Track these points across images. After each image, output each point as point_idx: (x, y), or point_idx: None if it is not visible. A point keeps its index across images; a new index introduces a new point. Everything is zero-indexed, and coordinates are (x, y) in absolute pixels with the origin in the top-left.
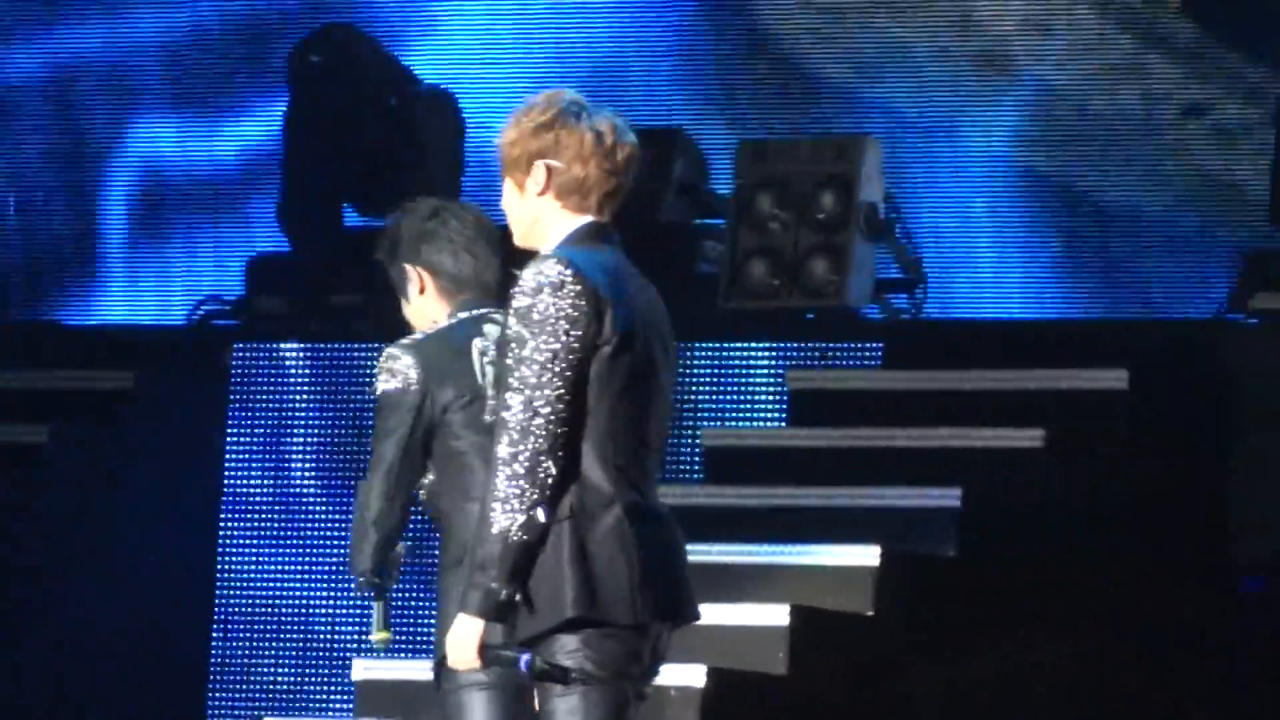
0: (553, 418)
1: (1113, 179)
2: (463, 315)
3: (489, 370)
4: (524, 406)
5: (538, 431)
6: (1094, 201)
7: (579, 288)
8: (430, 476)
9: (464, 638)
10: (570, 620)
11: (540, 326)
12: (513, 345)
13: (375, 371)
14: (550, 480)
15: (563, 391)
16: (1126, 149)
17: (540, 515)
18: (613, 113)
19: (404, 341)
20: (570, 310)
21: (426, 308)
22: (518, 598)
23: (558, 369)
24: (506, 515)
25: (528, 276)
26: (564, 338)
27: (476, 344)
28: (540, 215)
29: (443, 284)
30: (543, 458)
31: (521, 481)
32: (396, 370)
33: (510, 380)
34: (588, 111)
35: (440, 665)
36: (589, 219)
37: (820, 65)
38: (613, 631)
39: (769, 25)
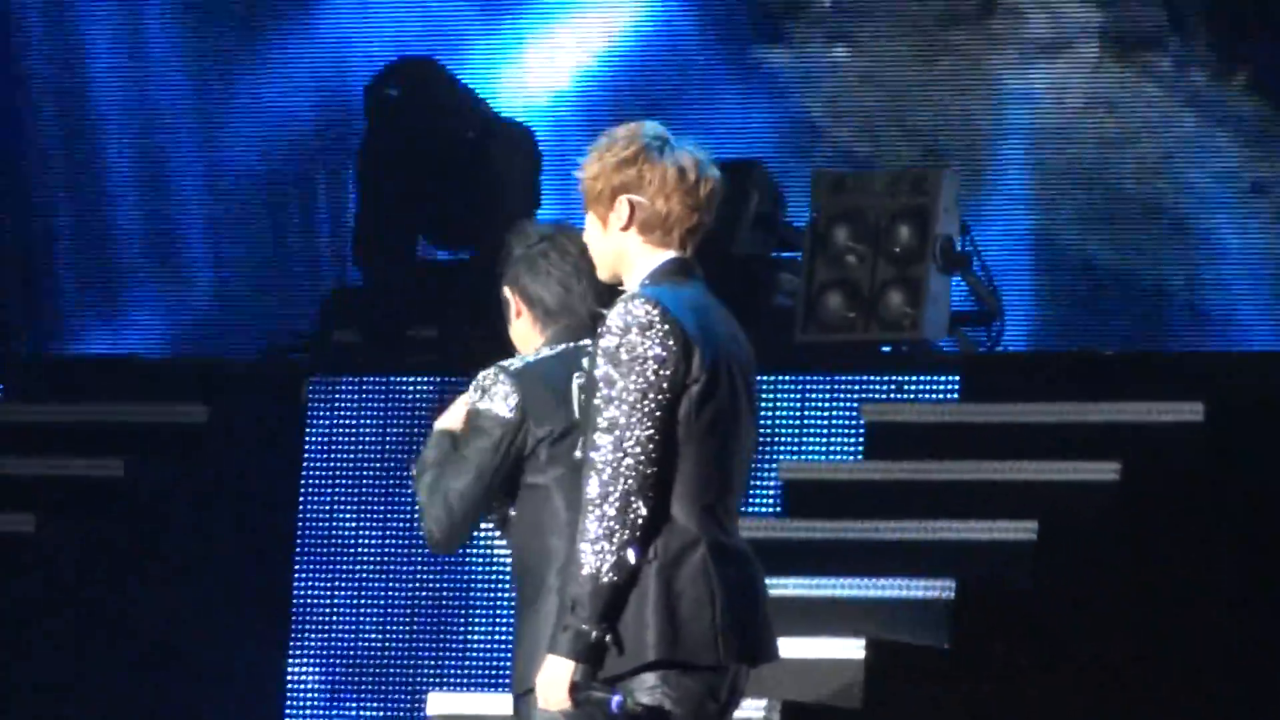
0: (643, 458)
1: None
2: (562, 347)
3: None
4: (614, 447)
5: (627, 472)
6: (1174, 227)
7: (667, 327)
8: (512, 510)
9: (555, 678)
10: (652, 660)
11: (629, 367)
12: (601, 385)
13: (475, 385)
14: (640, 520)
15: (652, 432)
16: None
17: (631, 556)
18: (695, 146)
19: (508, 365)
20: (659, 350)
21: (524, 332)
22: (608, 639)
23: (647, 409)
24: (597, 556)
25: (615, 316)
26: (652, 377)
27: (576, 378)
28: (623, 250)
29: (536, 312)
30: (633, 498)
31: (612, 522)
32: (495, 394)
33: (599, 420)
34: (670, 145)
35: (519, 701)
36: (672, 254)
37: (896, 97)
38: (692, 671)
39: (845, 57)
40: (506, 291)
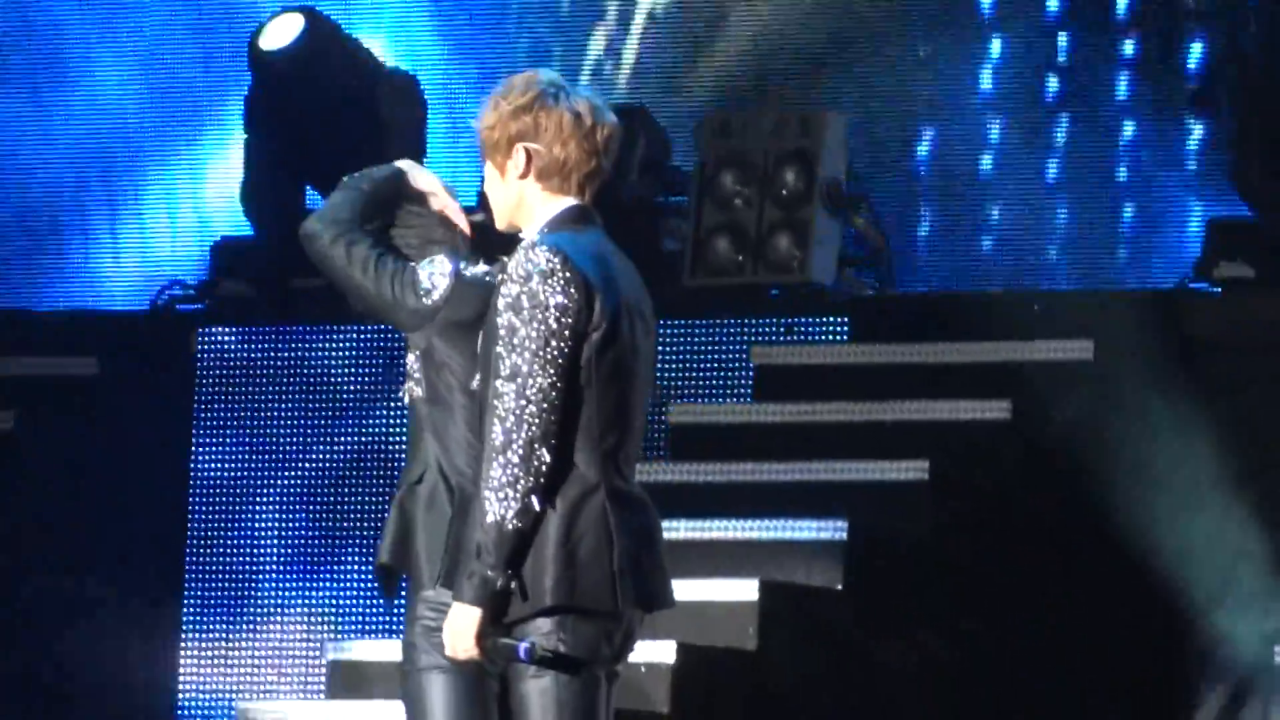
0: (545, 405)
1: (1073, 149)
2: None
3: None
4: (517, 394)
5: (530, 420)
6: (1056, 171)
7: (568, 275)
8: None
9: (462, 626)
10: (550, 605)
11: (531, 314)
12: (503, 333)
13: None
14: (544, 468)
15: (555, 379)
16: (1090, 120)
17: (535, 503)
18: (591, 92)
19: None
20: (560, 298)
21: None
22: (513, 585)
23: (549, 356)
24: (502, 503)
25: (516, 264)
26: (554, 325)
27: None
28: (522, 198)
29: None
30: (536, 445)
31: (516, 470)
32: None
33: (501, 368)
34: (566, 92)
35: (381, 572)
36: (571, 201)
37: (783, 40)
38: (589, 616)
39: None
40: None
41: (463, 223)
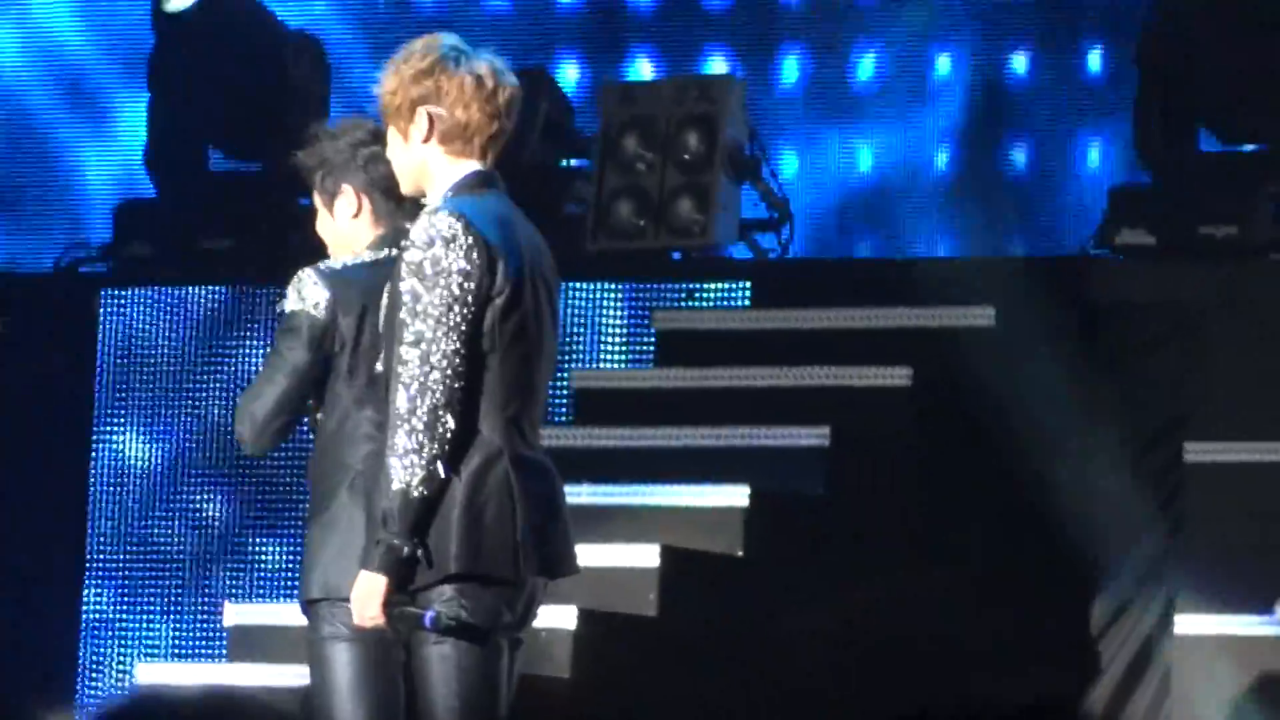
0: (449, 371)
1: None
2: (385, 252)
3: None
4: (421, 361)
5: (435, 386)
6: (962, 136)
7: (470, 240)
8: (320, 414)
9: (368, 593)
10: (453, 573)
11: (434, 280)
12: (406, 299)
13: (291, 285)
14: (449, 434)
15: (458, 345)
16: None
17: (440, 470)
18: (492, 55)
19: (323, 266)
20: (463, 263)
21: (357, 230)
22: (419, 553)
23: (453, 322)
24: (407, 470)
25: (419, 230)
26: (457, 291)
27: (388, 289)
28: (425, 163)
29: (376, 208)
30: (441, 411)
31: (421, 436)
32: (308, 294)
33: (405, 335)
34: (466, 55)
35: (307, 606)
36: (474, 164)
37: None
38: (492, 583)
39: None
40: (344, 187)
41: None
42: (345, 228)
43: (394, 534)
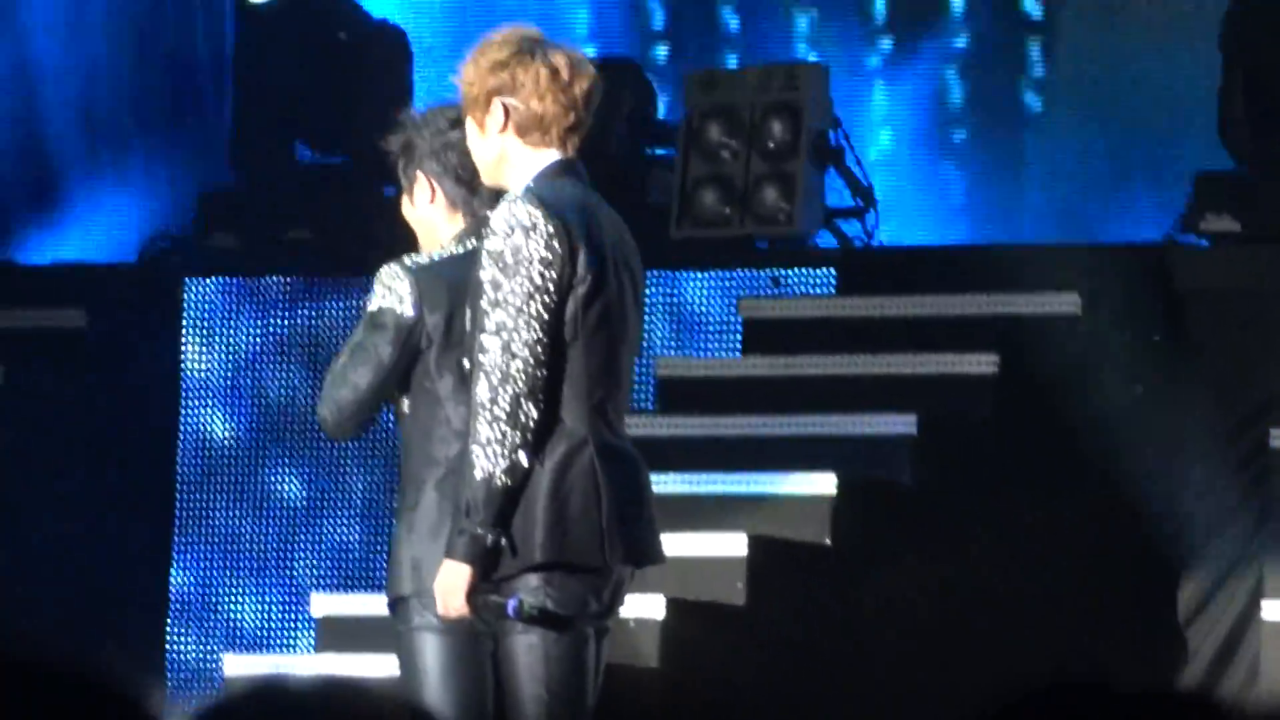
0: (531, 360)
1: (1064, 101)
2: (469, 245)
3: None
4: (502, 350)
5: (517, 375)
6: (1046, 125)
7: (551, 229)
8: (406, 408)
9: (453, 584)
10: (539, 562)
11: (515, 269)
12: (487, 288)
13: (378, 281)
14: (531, 423)
15: (540, 334)
16: (1080, 71)
17: (523, 459)
18: (570, 47)
19: (409, 262)
20: (544, 252)
21: (434, 217)
22: (502, 542)
23: (534, 311)
24: (489, 460)
25: (499, 219)
26: (539, 280)
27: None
28: (504, 153)
29: (451, 197)
30: (523, 400)
31: (503, 425)
32: (395, 290)
33: (486, 324)
34: (543, 46)
35: (396, 603)
36: (554, 153)
37: None
38: (577, 572)
39: None
40: (419, 175)
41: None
42: (424, 214)
43: (478, 523)
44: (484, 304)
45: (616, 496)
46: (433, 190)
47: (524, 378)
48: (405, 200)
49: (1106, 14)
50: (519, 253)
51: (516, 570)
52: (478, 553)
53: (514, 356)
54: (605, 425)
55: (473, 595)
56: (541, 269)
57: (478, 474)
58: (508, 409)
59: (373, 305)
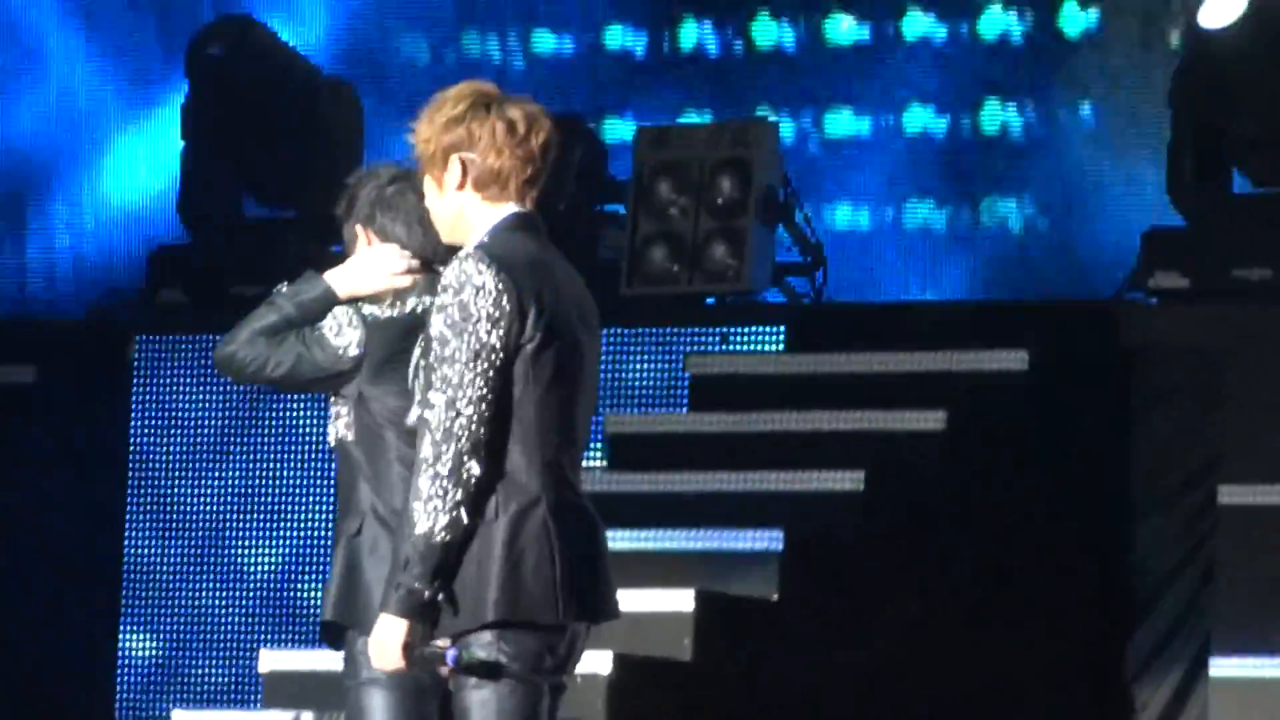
0: (475, 418)
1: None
2: (413, 303)
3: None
4: (447, 406)
5: (459, 432)
6: (992, 182)
7: (500, 286)
8: (349, 435)
9: (388, 638)
10: (492, 620)
11: (462, 326)
12: (435, 344)
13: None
14: (473, 480)
15: (485, 391)
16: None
17: (464, 515)
18: (526, 100)
19: (367, 313)
20: (492, 309)
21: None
22: (440, 597)
23: (480, 369)
24: (429, 516)
25: (450, 275)
26: (485, 338)
27: (419, 346)
28: (461, 209)
29: (398, 241)
30: (465, 458)
31: (445, 482)
32: (344, 333)
33: (434, 379)
34: (499, 101)
35: (332, 628)
36: (511, 207)
37: (717, 50)
38: (531, 628)
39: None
40: (358, 229)
41: (408, 268)
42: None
43: (414, 578)
44: (432, 359)
45: (570, 553)
46: (369, 240)
47: (467, 435)
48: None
49: (1054, 71)
50: (466, 310)
51: (471, 627)
52: (413, 607)
53: (458, 414)
54: (560, 482)
55: (409, 649)
56: (488, 326)
57: (417, 529)
58: (450, 465)
59: (325, 328)
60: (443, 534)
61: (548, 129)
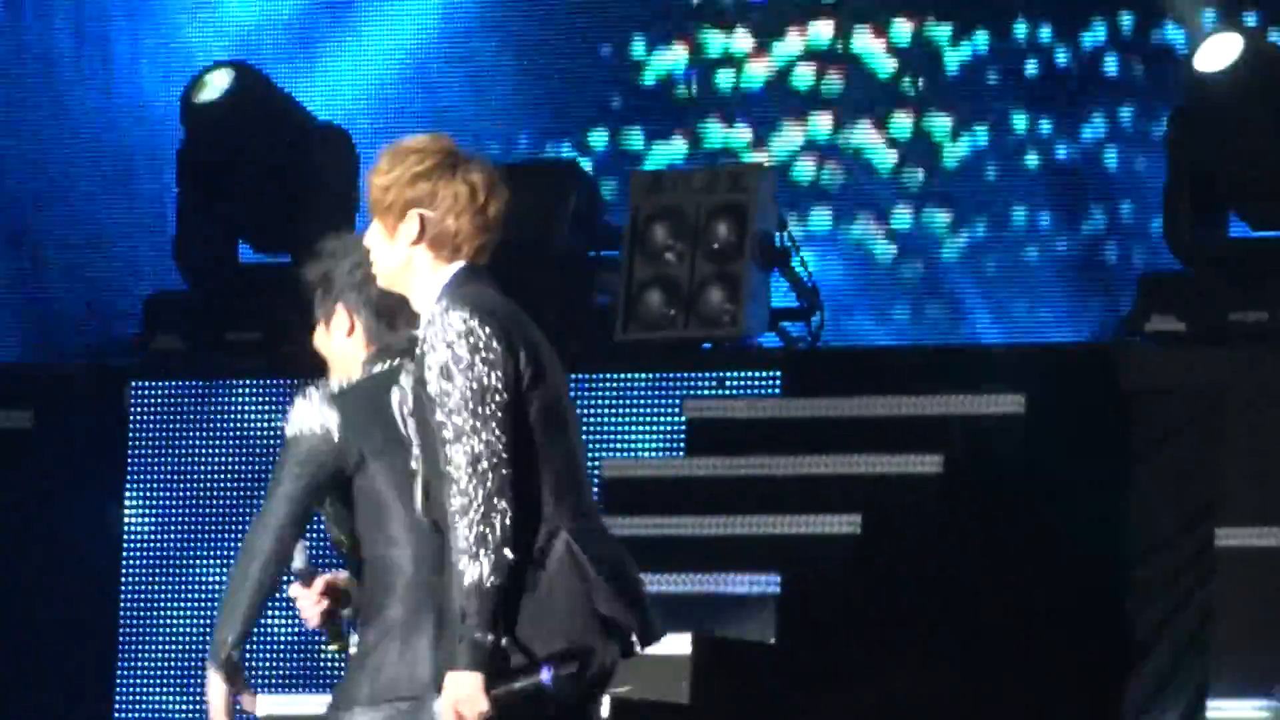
0: (494, 460)
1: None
2: (379, 367)
3: (410, 420)
4: (466, 455)
5: (484, 475)
6: (986, 225)
7: (488, 330)
8: (347, 526)
9: (468, 694)
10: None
11: (462, 375)
12: (438, 400)
13: (291, 411)
14: (507, 520)
15: (498, 433)
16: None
17: (508, 554)
18: (485, 161)
19: (325, 388)
20: (485, 354)
21: (351, 349)
22: (503, 642)
23: (488, 412)
24: (475, 564)
25: (434, 334)
26: (486, 381)
27: (395, 393)
28: (409, 263)
29: (370, 331)
30: (496, 500)
31: (481, 528)
32: (311, 416)
33: (445, 434)
34: (464, 161)
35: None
36: (461, 264)
37: (709, 93)
38: (574, 658)
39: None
40: (338, 307)
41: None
42: (341, 347)
43: (475, 628)
44: (439, 416)
45: (600, 577)
46: (352, 323)
47: (492, 477)
48: (321, 330)
49: (1048, 116)
50: (460, 360)
51: (519, 666)
52: (481, 657)
53: (478, 459)
54: (579, 513)
55: (495, 696)
56: (485, 370)
57: (467, 581)
58: (482, 510)
59: (291, 430)
60: (492, 578)
61: (505, 196)
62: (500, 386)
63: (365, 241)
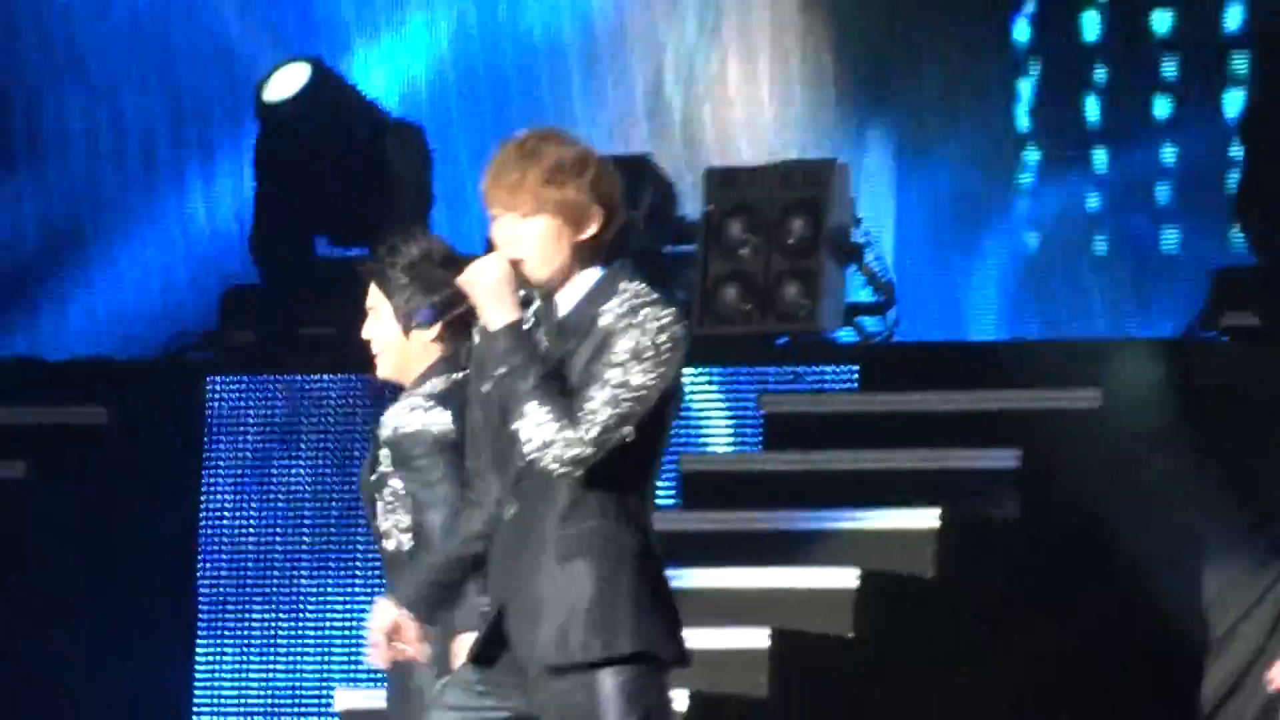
0: (639, 409)
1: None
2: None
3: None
4: (621, 395)
5: (627, 410)
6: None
7: (685, 336)
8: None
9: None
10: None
11: (655, 362)
12: (621, 355)
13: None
14: (613, 444)
15: (655, 407)
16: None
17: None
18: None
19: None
20: (680, 358)
21: (426, 346)
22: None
23: (657, 393)
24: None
25: (653, 312)
26: (670, 380)
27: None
28: (573, 261)
29: (448, 332)
30: (626, 425)
31: (594, 429)
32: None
33: (609, 375)
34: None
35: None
36: (600, 265)
37: (788, 90)
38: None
39: (734, 52)
40: (390, 303)
41: None
42: (393, 340)
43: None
44: (602, 364)
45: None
46: (403, 319)
47: (634, 415)
48: (371, 322)
49: (1124, 108)
50: (664, 348)
51: (604, 658)
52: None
53: (635, 402)
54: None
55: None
56: (674, 373)
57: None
58: (605, 423)
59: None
60: (574, 451)
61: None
62: (675, 392)
63: (521, 241)
